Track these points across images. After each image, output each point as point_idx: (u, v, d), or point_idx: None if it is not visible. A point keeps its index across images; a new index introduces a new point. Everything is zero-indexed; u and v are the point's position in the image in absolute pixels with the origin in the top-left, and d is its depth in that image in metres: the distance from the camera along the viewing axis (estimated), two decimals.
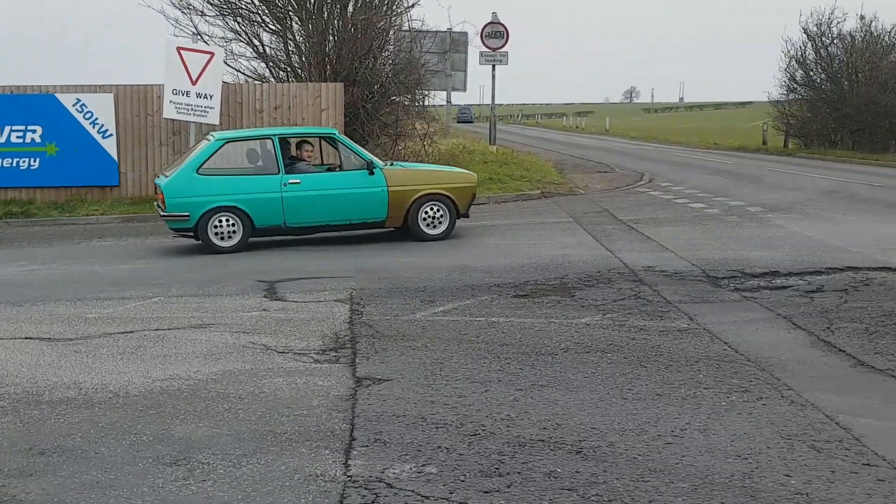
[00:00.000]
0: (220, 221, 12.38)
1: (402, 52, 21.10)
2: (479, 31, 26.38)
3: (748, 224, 13.79)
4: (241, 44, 21.13)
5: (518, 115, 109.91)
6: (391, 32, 21.31)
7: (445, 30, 25.31)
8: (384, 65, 20.49)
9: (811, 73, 35.09)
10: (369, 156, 13.13)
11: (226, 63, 19.45)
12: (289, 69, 21.02)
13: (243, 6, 21.06)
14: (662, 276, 9.74)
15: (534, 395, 5.84)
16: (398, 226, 13.12)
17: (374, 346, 7.15)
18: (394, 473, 4.62)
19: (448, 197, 13.16)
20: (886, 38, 33.49)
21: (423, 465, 4.71)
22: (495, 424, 5.30)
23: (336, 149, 13.31)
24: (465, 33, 26.72)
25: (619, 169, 26.00)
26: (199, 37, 19.98)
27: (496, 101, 27.39)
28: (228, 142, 12.88)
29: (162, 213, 12.59)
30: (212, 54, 17.19)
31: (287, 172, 12.64)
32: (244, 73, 21.33)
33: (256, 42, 21.16)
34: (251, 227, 12.49)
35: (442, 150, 22.17)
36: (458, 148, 24.46)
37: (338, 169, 13.12)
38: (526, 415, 5.46)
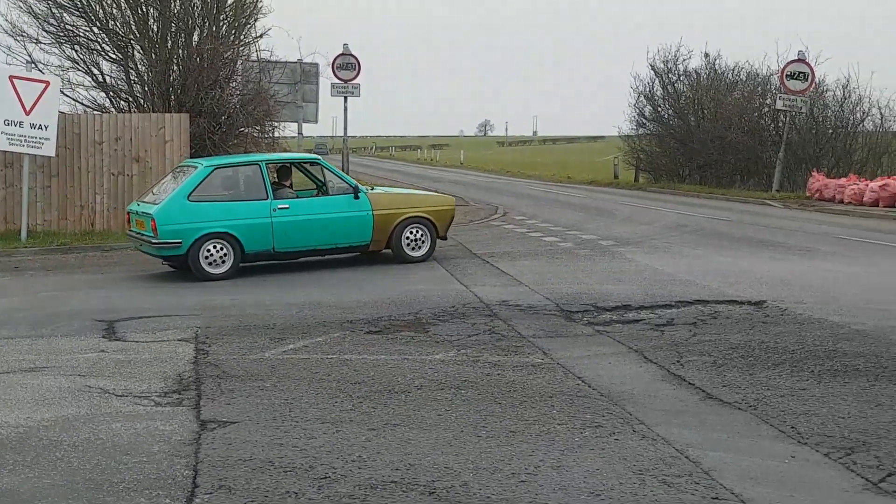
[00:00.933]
0: (212, 248, 12.55)
1: (250, 82, 20.87)
2: (331, 62, 26.41)
3: (600, 258, 14.14)
4: (79, 73, 20.50)
5: (372, 148, 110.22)
6: (239, 63, 21.07)
7: (296, 60, 25.19)
8: (232, 95, 20.23)
9: (659, 109, 36.44)
10: (353, 181, 13.83)
11: (62, 92, 18.82)
12: (130, 99, 20.50)
13: (81, 34, 20.44)
14: (517, 311, 9.87)
15: (386, 435, 5.80)
16: (381, 249, 13.81)
17: (220, 387, 6.98)
18: None
19: (429, 220, 13.98)
20: (729, 76, 35.15)
21: None
22: (346, 466, 5.23)
23: (309, 175, 14.09)
24: (317, 64, 26.66)
25: (474, 202, 26.32)
26: (33, 65, 19.24)
27: (349, 134, 27.39)
28: (217, 168, 13.15)
29: (154, 241, 12.54)
30: (47, 83, 16.62)
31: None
32: (83, 103, 20.67)
33: (96, 71, 20.56)
34: (241, 253, 12.73)
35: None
36: None
37: (323, 194, 13.62)
38: (378, 455, 5.41)
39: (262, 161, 13.34)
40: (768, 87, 33.06)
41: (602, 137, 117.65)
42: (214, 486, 4.96)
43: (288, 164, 14.08)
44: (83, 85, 20.64)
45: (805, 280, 11.65)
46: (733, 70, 35.17)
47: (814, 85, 28.96)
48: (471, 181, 39.98)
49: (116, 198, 17.57)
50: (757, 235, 17.05)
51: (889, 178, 24.77)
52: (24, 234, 16.48)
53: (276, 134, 22.88)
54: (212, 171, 12.97)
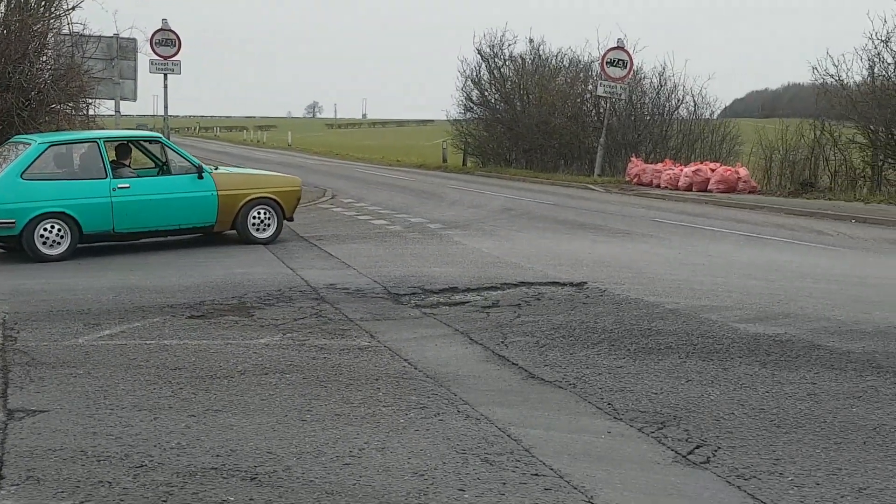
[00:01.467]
0: (47, 228, 12.15)
1: (62, 56, 20.01)
2: (149, 38, 25.59)
3: (429, 241, 14.27)
4: None
5: (196, 128, 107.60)
6: (50, 36, 20.16)
7: (112, 35, 24.29)
8: (42, 70, 19.35)
9: (486, 94, 37.02)
10: (197, 160, 13.53)
11: None
12: None
13: None
14: (344, 294, 9.85)
15: (207, 421, 5.69)
16: (227, 230, 13.71)
17: (29, 375, 6.69)
18: None
19: (275, 201, 13.97)
20: (553, 62, 36.05)
21: (82, 502, 4.45)
22: (164, 454, 5.11)
23: (149, 154, 13.84)
24: (134, 40, 25.77)
25: (302, 185, 26.10)
26: None
27: (171, 113, 26.65)
28: (52, 145, 12.66)
29: None
30: None
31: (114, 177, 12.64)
32: None
33: None
34: (79, 233, 12.38)
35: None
36: None
37: (166, 173, 13.34)
38: (198, 442, 5.31)
39: (100, 138, 12.92)
40: (590, 73, 34.12)
41: (431, 121, 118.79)
42: (22, 477, 4.75)
43: (127, 142, 13.69)
44: None
45: (623, 261, 12.10)
46: (557, 56, 36.15)
47: (632, 72, 30.03)
48: (299, 163, 39.61)
49: None
50: (579, 219, 17.58)
51: (702, 163, 26.02)
52: None
53: (92, 112, 22.05)
54: (46, 149, 12.49)
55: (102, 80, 22.08)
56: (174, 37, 25.90)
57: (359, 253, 12.90)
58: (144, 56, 25.61)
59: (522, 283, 10.39)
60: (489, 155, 36.41)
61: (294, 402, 6.11)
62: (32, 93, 18.42)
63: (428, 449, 5.23)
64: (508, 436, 5.48)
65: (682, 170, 25.35)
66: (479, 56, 36.68)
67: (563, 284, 10.36)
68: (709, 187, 24.04)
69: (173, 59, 25.79)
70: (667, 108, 32.76)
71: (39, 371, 6.82)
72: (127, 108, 25.88)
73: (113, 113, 24.46)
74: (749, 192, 23.64)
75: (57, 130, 18.65)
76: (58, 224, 12.24)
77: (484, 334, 8.06)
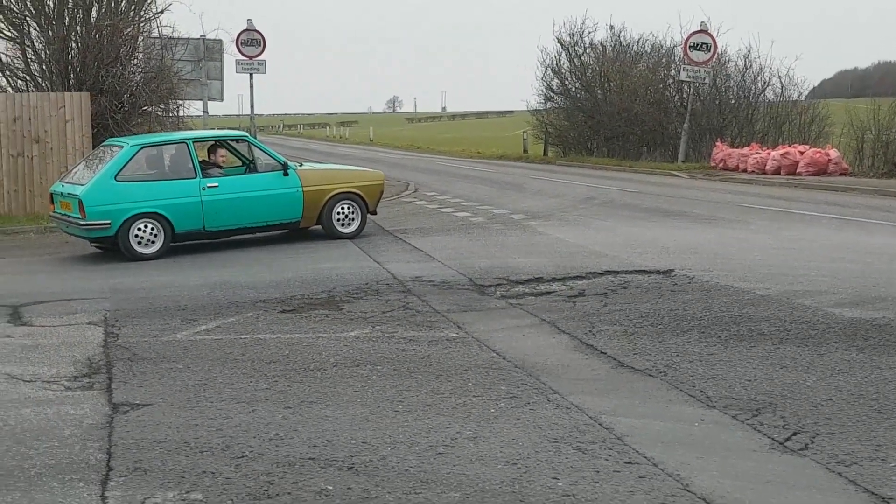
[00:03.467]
0: (141, 228, 12.44)
1: (152, 59, 20.44)
2: (235, 38, 26.02)
3: (512, 231, 14.27)
4: None
5: (280, 126, 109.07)
6: (140, 39, 20.60)
7: (199, 37, 24.77)
8: (133, 73, 19.78)
9: (566, 82, 36.74)
10: (282, 157, 13.80)
11: None
12: (28, 78, 19.91)
13: None
14: (430, 286, 9.92)
15: (303, 413, 5.81)
16: (312, 225, 13.93)
17: (131, 370, 6.90)
18: (156, 503, 4.47)
19: (359, 195, 14.12)
20: (634, 48, 35.60)
21: (187, 492, 4.59)
22: (263, 445, 5.23)
23: (236, 152, 14.03)
24: (220, 41, 26.24)
25: (385, 179, 26.30)
26: None
27: (256, 112, 27.07)
28: (144, 147, 12.96)
29: (82, 223, 12.31)
30: None
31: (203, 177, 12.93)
32: None
33: None
34: (171, 232, 12.67)
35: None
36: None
37: (252, 171, 13.56)
38: (295, 433, 5.42)
39: (189, 139, 13.25)
40: (672, 58, 33.58)
41: (511, 112, 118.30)
42: (129, 468, 4.91)
43: (216, 142, 14.01)
44: None
45: (711, 248, 11.95)
46: (638, 42, 35.66)
47: (716, 55, 29.53)
48: (381, 158, 39.88)
49: (17, 180, 17.09)
50: (664, 206, 17.40)
51: (790, 146, 25.48)
52: None
53: (182, 112, 22.51)
54: (138, 151, 12.83)
55: (191, 82, 22.53)
56: (259, 36, 26.30)
57: (443, 245, 12.96)
58: (230, 56, 26.09)
59: (608, 272, 10.34)
60: (570, 144, 36.16)
61: (386, 394, 6.19)
62: (125, 95, 18.84)
63: (520, 438, 5.26)
64: (600, 424, 5.48)
65: (769, 153, 24.88)
66: (559, 45, 36.43)
67: (650, 272, 10.28)
68: (797, 170, 23.55)
69: (258, 58, 26.19)
70: (752, 91, 32.10)
71: (141, 366, 7.02)
72: (214, 108, 26.38)
73: (201, 114, 24.95)
74: (840, 175, 23.09)
75: (149, 132, 19.11)
76: (151, 223, 12.53)
77: (571, 324, 8.05)
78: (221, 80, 27.19)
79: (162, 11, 21.10)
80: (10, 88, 19.85)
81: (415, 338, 7.72)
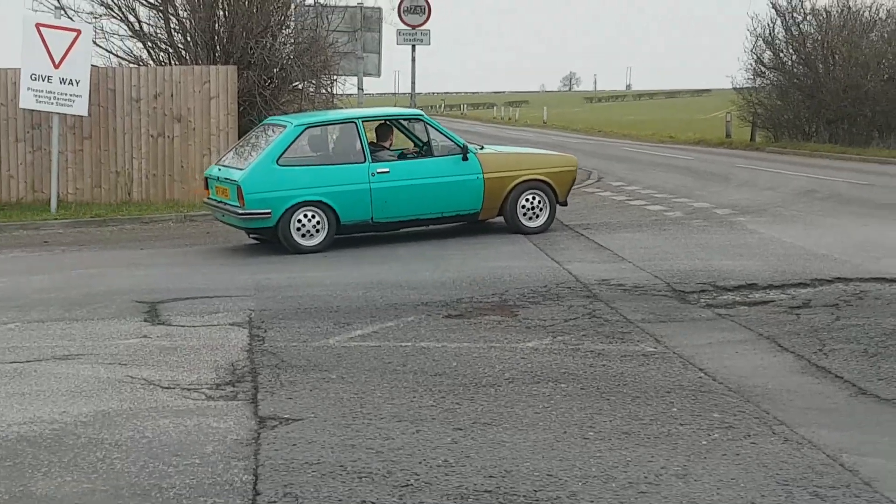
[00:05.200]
0: (304, 218, 12.55)
1: (305, 30, 20.84)
2: (397, 5, 26.27)
3: (716, 229, 13.91)
4: (113, 20, 20.53)
5: (441, 106, 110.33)
6: (292, 7, 21.05)
7: (356, 4, 25.14)
8: (284, 45, 20.24)
9: (781, 55, 35.67)
10: (462, 140, 13.68)
11: (95, 43, 18.98)
12: (171, 50, 20.63)
13: None
14: (620, 291, 9.72)
15: (475, 436, 5.70)
16: (492, 217, 13.83)
17: (279, 379, 6.95)
18: None
19: (547, 183, 13.82)
20: (867, 14, 34.18)
21: None
22: (431, 473, 5.15)
23: (410, 134, 14.25)
24: (380, 9, 26.60)
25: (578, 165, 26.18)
26: (62, 11, 19.29)
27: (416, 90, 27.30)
28: (308, 127, 13.14)
29: (240, 212, 12.53)
30: (78, 32, 16.86)
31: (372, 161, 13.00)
32: (117, 55, 20.77)
33: (132, 18, 20.59)
34: (336, 223, 12.74)
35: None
36: None
37: (427, 155, 13.52)
38: (467, 460, 5.32)
39: (358, 118, 13.31)
40: None
41: (708, 91, 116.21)
42: (279, 493, 4.90)
43: (388, 122, 14.02)
44: (118, 34, 20.71)
45: None
46: (871, 7, 34.28)
47: None
48: (557, 142, 39.68)
49: (156, 163, 17.70)
50: None
51: None
52: (53, 204, 16.73)
53: (338, 90, 22.84)
54: (302, 131, 12.96)
55: (345, 55, 22.80)
56: (424, 3, 26.45)
57: (633, 243, 12.71)
58: (389, 27, 26.35)
59: (838, 279, 9.94)
60: (783, 128, 35.10)
61: (573, 417, 6.02)
62: (275, 70, 19.27)
63: (740, 478, 5.02)
64: (841, 465, 5.19)
65: None
66: (773, 11, 35.35)
67: (892, 281, 9.82)
68: None
69: (422, 27, 26.36)
70: None
71: (290, 374, 7.06)
72: (368, 84, 26.70)
73: (355, 91, 25.31)
74: None
75: (299, 111, 19.47)
76: (315, 213, 12.60)
77: (795, 340, 7.74)
78: (379, 53, 27.54)
79: None
80: (151, 61, 20.58)
81: (604, 351, 7.55)
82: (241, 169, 12.66)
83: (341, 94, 23.69)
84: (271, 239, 12.85)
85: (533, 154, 15.12)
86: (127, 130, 17.65)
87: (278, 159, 12.56)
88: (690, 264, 11.05)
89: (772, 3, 35.43)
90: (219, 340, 8.15)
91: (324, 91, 22.28)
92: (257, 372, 7.17)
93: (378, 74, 28.09)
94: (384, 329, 8.42)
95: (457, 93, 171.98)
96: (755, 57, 36.17)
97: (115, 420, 6.12)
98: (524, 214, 13.68)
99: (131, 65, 20.32)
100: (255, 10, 19.24)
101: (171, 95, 17.73)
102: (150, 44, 20.86)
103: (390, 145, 13.76)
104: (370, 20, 26.57)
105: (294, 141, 12.77)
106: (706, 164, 26.53)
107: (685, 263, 11.12)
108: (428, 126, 13.66)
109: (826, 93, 32.61)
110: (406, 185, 13.01)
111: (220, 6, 19.98)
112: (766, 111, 35.62)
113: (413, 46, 26.54)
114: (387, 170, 12.95)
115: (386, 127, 13.85)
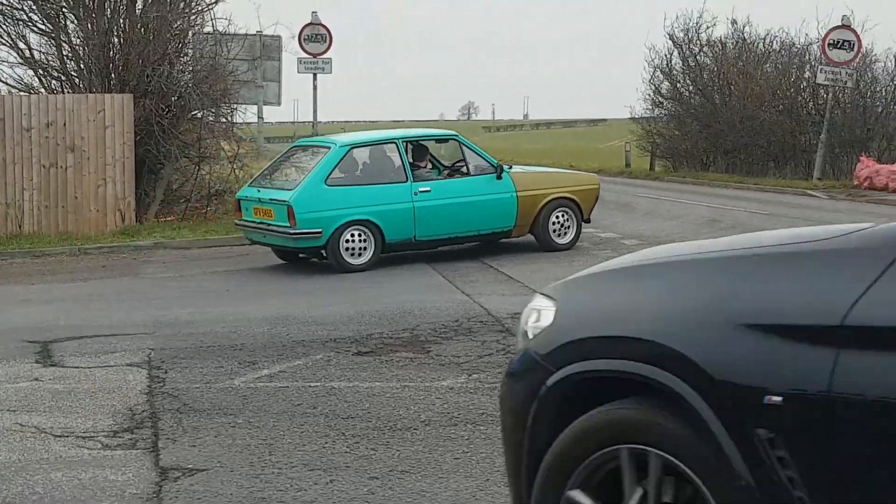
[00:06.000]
0: (351, 237, 12.95)
1: (203, 57, 20.41)
2: (297, 33, 25.95)
3: None
4: (2, 47, 20.08)
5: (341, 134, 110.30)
6: (190, 34, 20.63)
7: (255, 33, 24.81)
8: (182, 72, 19.82)
9: (679, 86, 36.23)
10: (495, 159, 14.30)
11: None
12: (63, 78, 20.08)
13: (4, 1, 19.99)
14: None
15: (393, 485, 5.42)
16: (523, 234, 14.38)
17: (181, 425, 6.60)
18: None
19: (574, 201, 14.48)
20: (761, 46, 34.85)
21: None
22: None
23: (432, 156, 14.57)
24: (279, 37, 26.30)
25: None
26: None
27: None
28: (353, 148, 13.67)
29: (291, 231, 12.83)
30: None
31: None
32: (6, 83, 20.37)
33: (22, 45, 20.10)
34: (382, 241, 13.18)
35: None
36: None
37: (462, 174, 14.05)
38: None
39: (399, 139, 13.81)
40: (807, 58, 32.84)
41: (604, 121, 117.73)
42: None
43: (424, 142, 14.44)
44: (6, 61, 20.31)
45: None
46: (765, 39, 34.92)
47: (860, 55, 28.76)
48: None
49: (48, 194, 17.15)
50: None
51: None
52: None
53: (239, 119, 22.47)
54: (347, 152, 13.44)
55: (245, 83, 22.45)
56: (325, 31, 26.15)
57: (542, 275, 12.46)
58: (289, 55, 26.07)
59: None
60: (682, 157, 35.60)
61: (495, 463, 5.74)
62: (173, 98, 18.84)
63: None
64: None
65: None
66: (670, 42, 35.92)
67: None
68: None
69: (323, 56, 26.06)
70: None
71: (193, 419, 6.72)
72: (268, 113, 26.39)
73: (255, 120, 24.95)
74: None
75: (198, 140, 19.08)
76: (362, 232, 13.00)
77: None
78: (279, 81, 27.27)
79: (216, 2, 21.05)
80: (43, 90, 20.01)
81: None
82: (287, 189, 12.95)
83: (241, 123, 23.28)
84: (319, 258, 13.22)
85: (560, 173, 16.05)
86: (17, 160, 17.05)
87: (326, 179, 12.96)
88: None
89: (669, 34, 35.99)
90: (116, 383, 7.77)
91: (223, 120, 21.84)
92: (158, 417, 6.81)
93: (278, 103, 27.83)
94: (292, 368, 8.11)
95: (357, 121, 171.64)
96: (653, 87, 36.72)
97: (2, 474, 5.73)
98: (555, 232, 14.28)
99: (21, 93, 19.74)
100: (151, 38, 18.78)
101: (64, 124, 17.20)
102: (41, 71, 20.32)
103: (426, 165, 14.11)
104: (269, 48, 26.30)
105: (340, 161, 13.21)
106: (608, 192, 26.44)
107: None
108: (463, 146, 14.20)
109: (723, 123, 33.15)
110: (447, 204, 13.50)
111: (115, 33, 19.50)
112: (664, 141, 36.16)
113: (314, 75, 26.25)
114: (428, 189, 13.47)
115: (422, 147, 14.26)
